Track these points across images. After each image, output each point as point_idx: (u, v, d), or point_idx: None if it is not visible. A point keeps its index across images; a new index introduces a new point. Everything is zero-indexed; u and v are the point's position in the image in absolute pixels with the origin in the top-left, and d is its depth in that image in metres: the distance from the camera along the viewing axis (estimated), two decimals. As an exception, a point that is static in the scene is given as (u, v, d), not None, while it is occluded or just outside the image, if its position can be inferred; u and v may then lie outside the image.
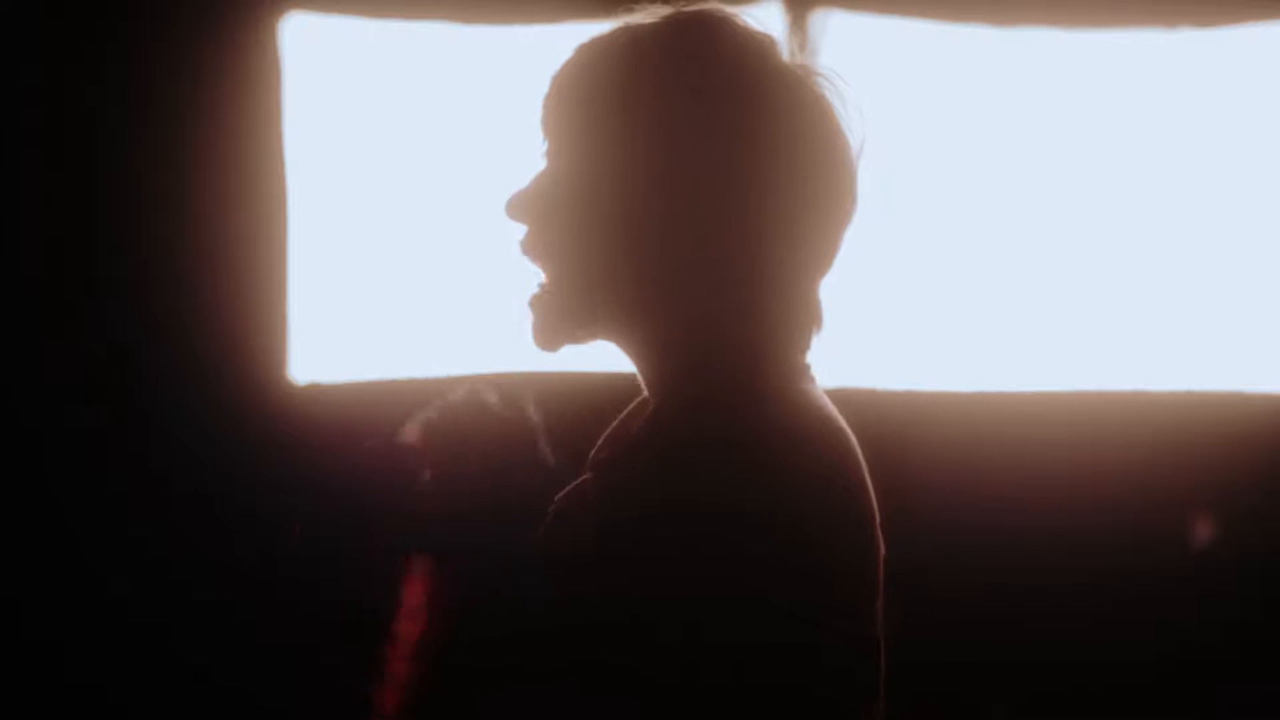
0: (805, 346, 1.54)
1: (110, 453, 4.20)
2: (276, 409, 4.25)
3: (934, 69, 4.34)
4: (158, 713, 4.18)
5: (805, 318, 1.53)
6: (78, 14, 4.16)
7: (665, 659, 1.35)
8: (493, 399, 1.58)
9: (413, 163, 4.28)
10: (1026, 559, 4.30)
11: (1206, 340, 4.39)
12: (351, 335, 4.32)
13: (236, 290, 4.22)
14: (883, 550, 1.48)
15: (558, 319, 1.52)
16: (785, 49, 1.52)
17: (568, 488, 1.53)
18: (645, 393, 1.54)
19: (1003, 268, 4.37)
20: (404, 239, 4.29)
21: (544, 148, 1.52)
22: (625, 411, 1.58)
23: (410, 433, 1.56)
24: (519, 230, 1.52)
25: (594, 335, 1.53)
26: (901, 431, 4.24)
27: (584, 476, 1.53)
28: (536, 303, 1.53)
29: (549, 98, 1.52)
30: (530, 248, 1.52)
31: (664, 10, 1.52)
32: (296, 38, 4.26)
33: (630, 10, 1.52)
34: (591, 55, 1.51)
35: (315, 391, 4.30)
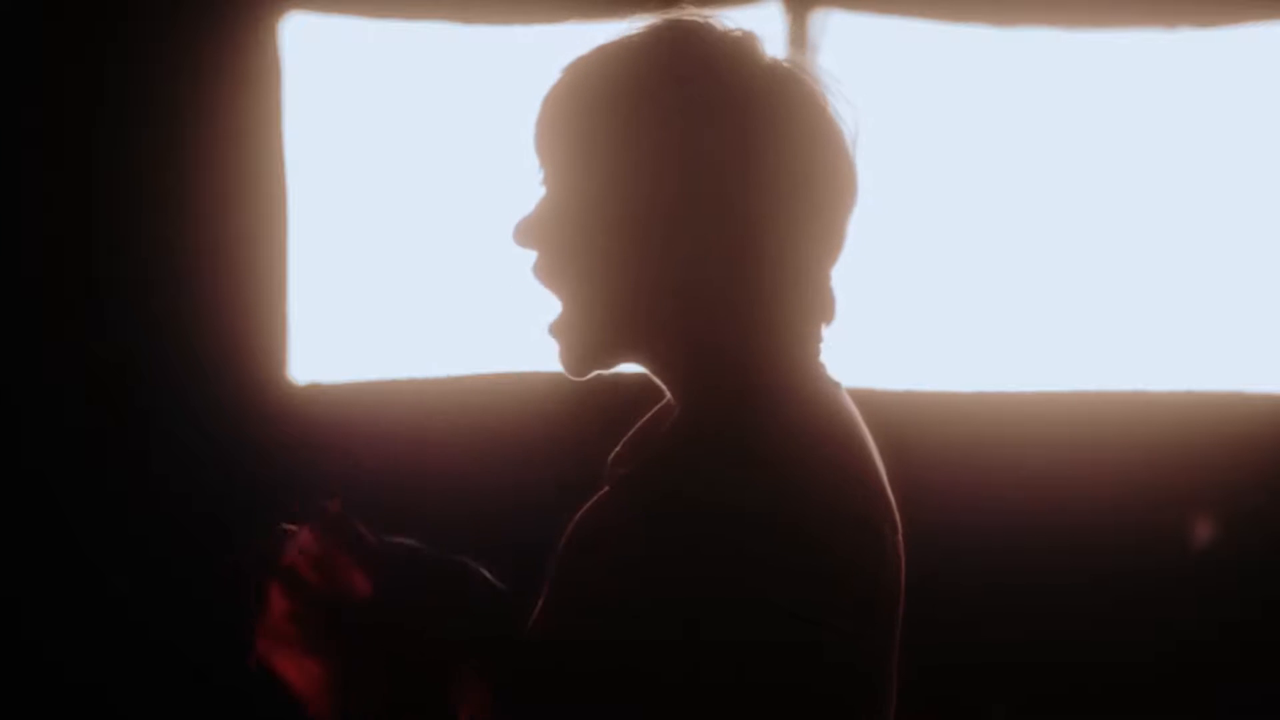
0: (819, 340, 1.54)
1: (110, 453, 4.20)
2: (276, 409, 4.25)
3: (934, 69, 4.34)
4: (157, 712, 4.19)
5: (819, 309, 1.53)
6: (78, 14, 4.16)
7: (667, 659, 1.35)
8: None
9: (412, 163, 4.28)
10: (1026, 559, 4.30)
11: (1206, 340, 4.39)
12: (351, 335, 4.33)
13: (236, 290, 4.22)
14: (902, 554, 1.47)
15: (584, 347, 1.51)
16: (765, 46, 1.52)
17: (588, 503, 1.53)
18: (669, 397, 1.54)
19: (1003, 268, 4.38)
20: (404, 239, 4.29)
21: (542, 171, 1.53)
22: (643, 419, 1.58)
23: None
24: (530, 256, 1.52)
25: (620, 359, 1.52)
26: (901, 431, 4.24)
27: (603, 490, 1.52)
28: (559, 331, 1.52)
29: (542, 121, 1.52)
30: (543, 273, 1.51)
31: (643, 21, 1.52)
32: (296, 38, 4.26)
33: (620, 17, 1.52)
34: (579, 75, 1.51)
35: (315, 391, 4.31)
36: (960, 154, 4.35)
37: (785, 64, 1.52)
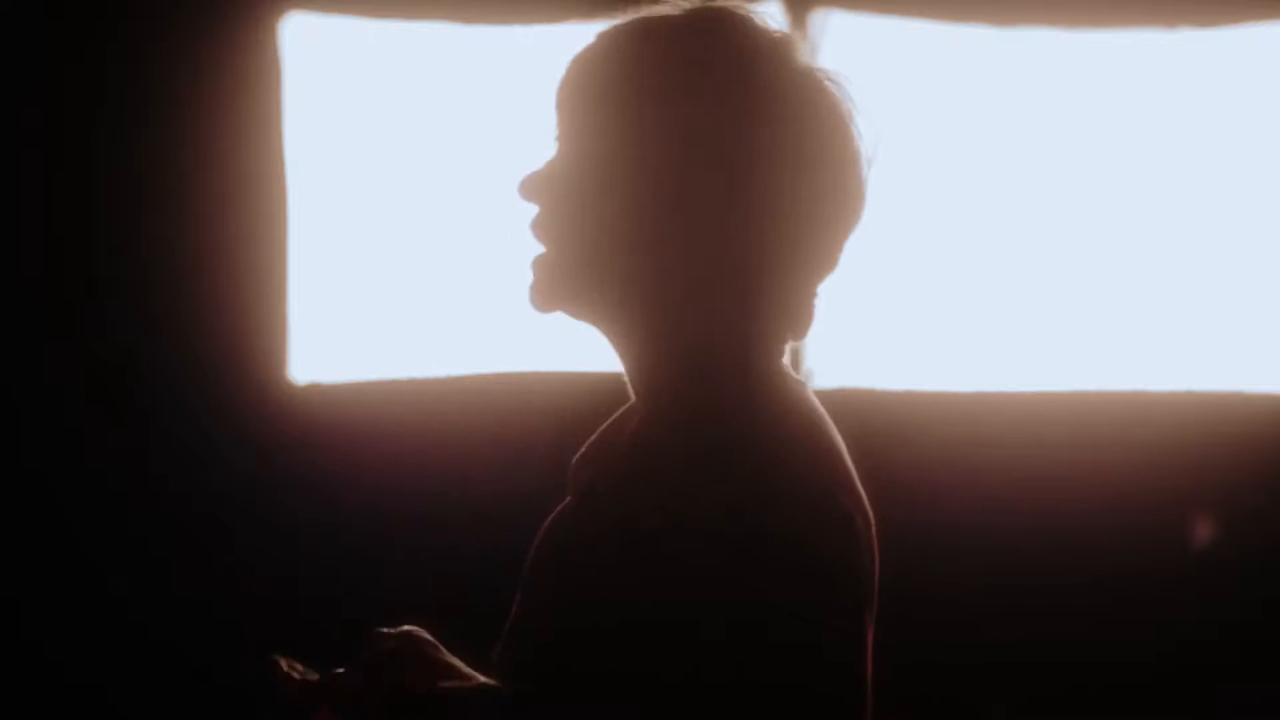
0: (784, 345, 1.54)
1: (110, 453, 4.20)
2: (276, 409, 4.25)
3: (934, 69, 4.34)
4: (157, 713, 4.19)
5: (796, 324, 1.53)
6: (78, 14, 4.16)
7: (667, 663, 1.35)
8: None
9: (412, 163, 4.28)
10: (1026, 559, 4.30)
11: (1206, 340, 4.39)
12: (351, 335, 4.32)
13: (236, 290, 4.22)
14: (876, 549, 1.48)
15: (557, 281, 1.51)
16: (802, 50, 1.52)
17: (555, 512, 1.53)
18: (631, 394, 1.54)
19: (1003, 268, 4.37)
20: (404, 239, 4.29)
21: (557, 130, 1.53)
22: (606, 424, 1.58)
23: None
24: (529, 210, 1.53)
25: (588, 310, 1.52)
26: (901, 431, 4.24)
27: (568, 499, 1.52)
28: (537, 262, 1.52)
29: (565, 82, 1.53)
30: (539, 228, 1.52)
31: (686, 3, 1.52)
32: (296, 38, 4.26)
33: (635, 7, 1.52)
34: (610, 44, 1.51)
35: (315, 391, 4.30)
36: (960, 154, 4.35)
37: (818, 73, 1.51)
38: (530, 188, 1.53)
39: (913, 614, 4.13)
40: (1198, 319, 4.38)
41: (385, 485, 4.19)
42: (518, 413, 4.15)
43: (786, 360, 1.55)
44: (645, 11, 1.53)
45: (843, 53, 4.31)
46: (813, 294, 1.53)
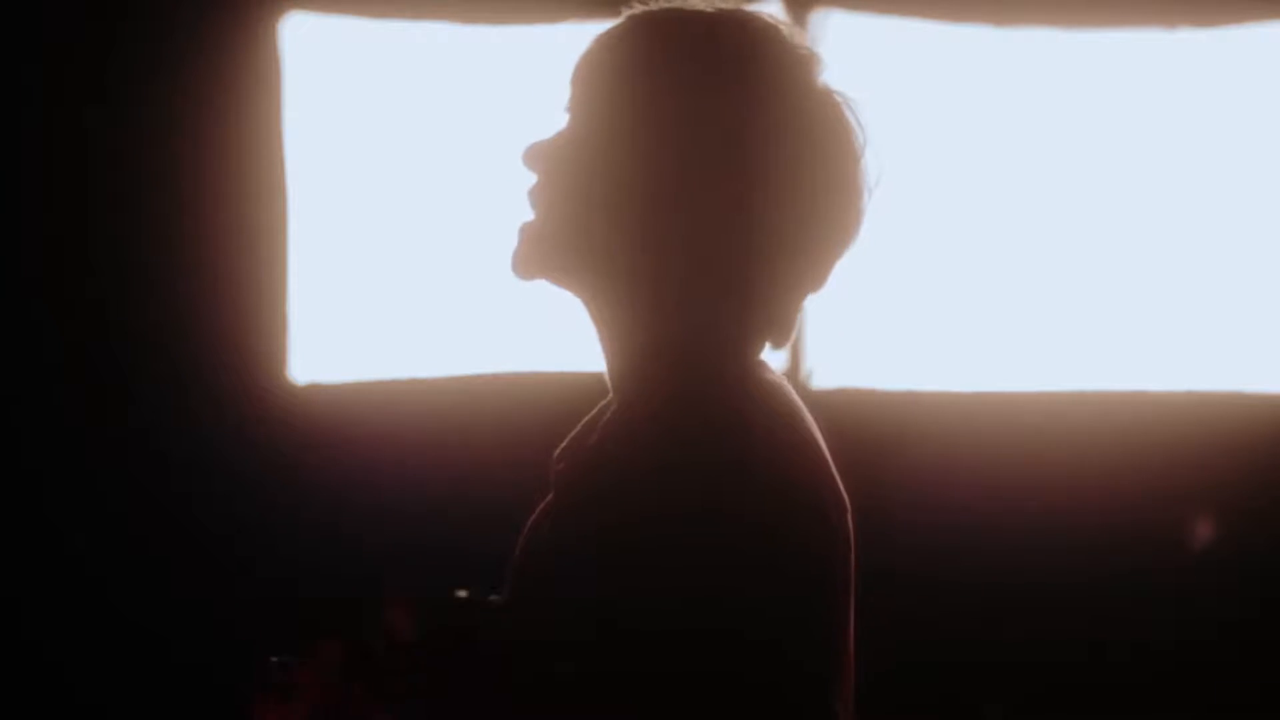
0: (762, 347, 1.55)
1: (110, 453, 4.20)
2: (276, 409, 4.25)
3: (934, 69, 4.34)
4: (158, 713, 4.19)
5: (779, 330, 1.53)
6: (77, 14, 4.16)
7: (640, 659, 1.35)
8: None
9: (412, 163, 4.28)
10: (1026, 559, 4.30)
11: (1206, 340, 4.39)
12: (351, 335, 4.32)
13: (236, 290, 4.22)
14: (852, 538, 1.48)
15: (543, 247, 1.52)
16: (824, 69, 1.52)
17: (536, 511, 1.53)
18: (609, 387, 1.55)
19: (1003, 268, 4.37)
20: (404, 239, 4.29)
21: (569, 104, 1.54)
22: (583, 421, 1.58)
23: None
24: (529, 178, 1.53)
25: (570, 281, 1.53)
26: (901, 431, 4.24)
27: (549, 498, 1.53)
28: (524, 229, 1.53)
29: (585, 58, 1.53)
30: (536, 197, 1.53)
31: (711, 2, 1.53)
32: (296, 38, 4.26)
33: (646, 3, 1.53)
34: (637, 28, 1.52)
35: (315, 391, 4.30)
36: (960, 154, 4.35)
37: (837, 96, 1.52)
38: (533, 155, 1.54)
39: (911, 613, 4.13)
40: (1198, 319, 4.39)
41: (385, 485, 4.19)
42: (518, 413, 4.15)
43: (765, 357, 1.56)
44: (678, 2, 1.53)
45: (843, 53, 4.31)
46: (797, 307, 1.53)
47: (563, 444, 1.57)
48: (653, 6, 1.54)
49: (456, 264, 4.23)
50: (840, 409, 4.29)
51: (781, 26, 1.53)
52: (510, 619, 1.48)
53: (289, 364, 4.29)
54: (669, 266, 1.49)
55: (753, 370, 1.52)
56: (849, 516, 1.49)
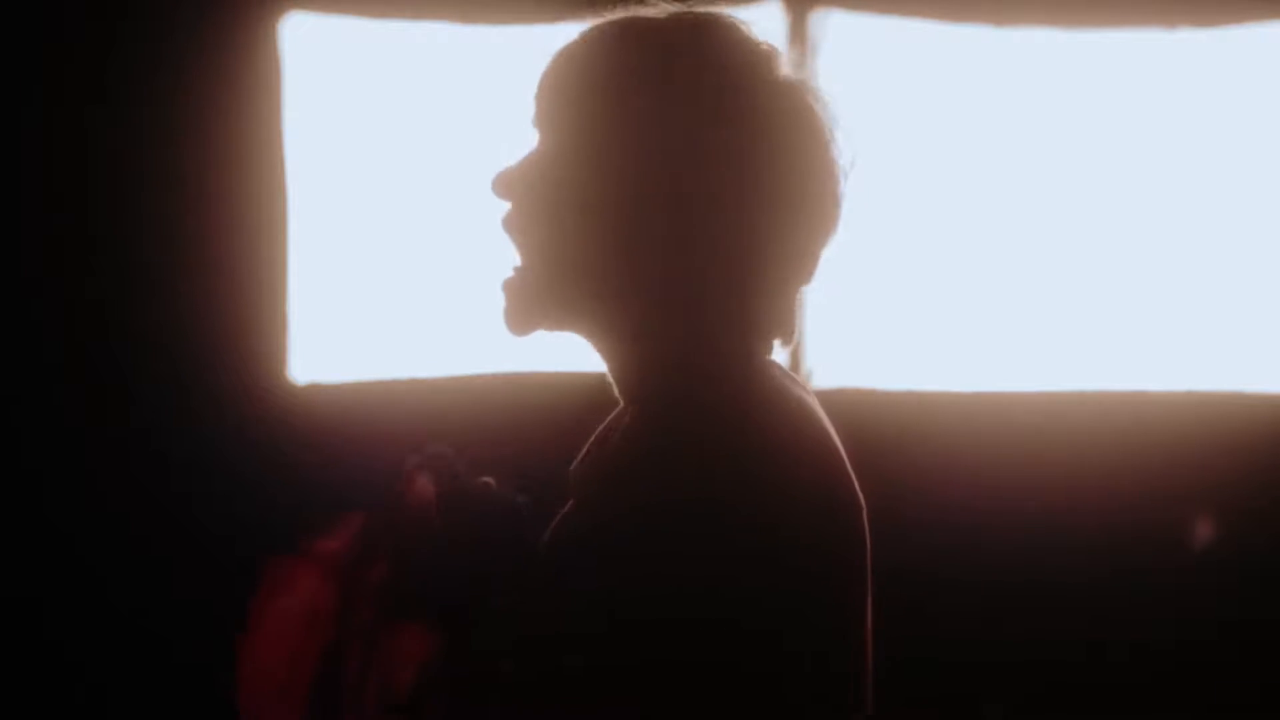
0: (771, 346, 1.55)
1: (110, 453, 4.20)
2: (276, 409, 4.25)
3: (934, 69, 4.34)
4: (159, 713, 4.19)
5: (778, 327, 1.53)
6: (77, 15, 4.16)
7: (639, 652, 1.35)
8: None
9: (412, 163, 4.28)
10: (1026, 558, 4.30)
11: (1206, 340, 4.39)
12: (351, 335, 4.33)
13: (236, 290, 4.22)
14: (867, 535, 1.48)
15: (530, 302, 1.51)
16: (786, 62, 1.52)
17: (557, 518, 1.53)
18: (618, 397, 1.54)
19: (1003, 268, 4.38)
20: (403, 239, 4.29)
21: (536, 123, 1.53)
22: (603, 424, 1.58)
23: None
24: (502, 206, 1.53)
25: (565, 323, 1.52)
26: (901, 431, 4.25)
27: (569, 503, 1.53)
28: (509, 286, 1.52)
29: (547, 75, 1.53)
30: (511, 225, 1.52)
31: (673, 7, 1.52)
32: (296, 38, 4.26)
33: (624, 6, 1.52)
34: (593, 41, 1.51)
35: (315, 391, 4.31)
36: (960, 154, 4.35)
37: (797, 84, 1.51)
38: (505, 184, 1.53)
39: (910, 612, 4.13)
40: (1198, 319, 4.39)
41: (385, 485, 4.18)
42: (518, 413, 4.15)
43: (778, 357, 1.56)
44: (634, 10, 1.53)
45: (843, 53, 4.31)
46: (793, 301, 1.53)
47: (581, 453, 1.57)
48: (612, 16, 1.53)
49: (456, 264, 4.23)
50: (840, 409, 4.28)
51: (739, 24, 1.53)
52: (521, 617, 1.48)
53: (289, 364, 4.29)
54: (662, 280, 1.49)
55: (760, 371, 1.52)
56: (864, 515, 1.49)
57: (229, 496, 4.18)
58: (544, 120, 1.52)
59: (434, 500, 1.52)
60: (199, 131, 4.18)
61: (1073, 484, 4.30)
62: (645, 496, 1.38)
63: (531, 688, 1.41)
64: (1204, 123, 4.35)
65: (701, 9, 1.53)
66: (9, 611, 4.19)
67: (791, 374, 1.55)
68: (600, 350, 1.54)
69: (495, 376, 4.30)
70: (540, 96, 1.53)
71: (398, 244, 4.29)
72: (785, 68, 1.52)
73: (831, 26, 4.30)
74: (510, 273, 1.53)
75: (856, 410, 4.33)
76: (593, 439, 1.58)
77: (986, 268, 4.37)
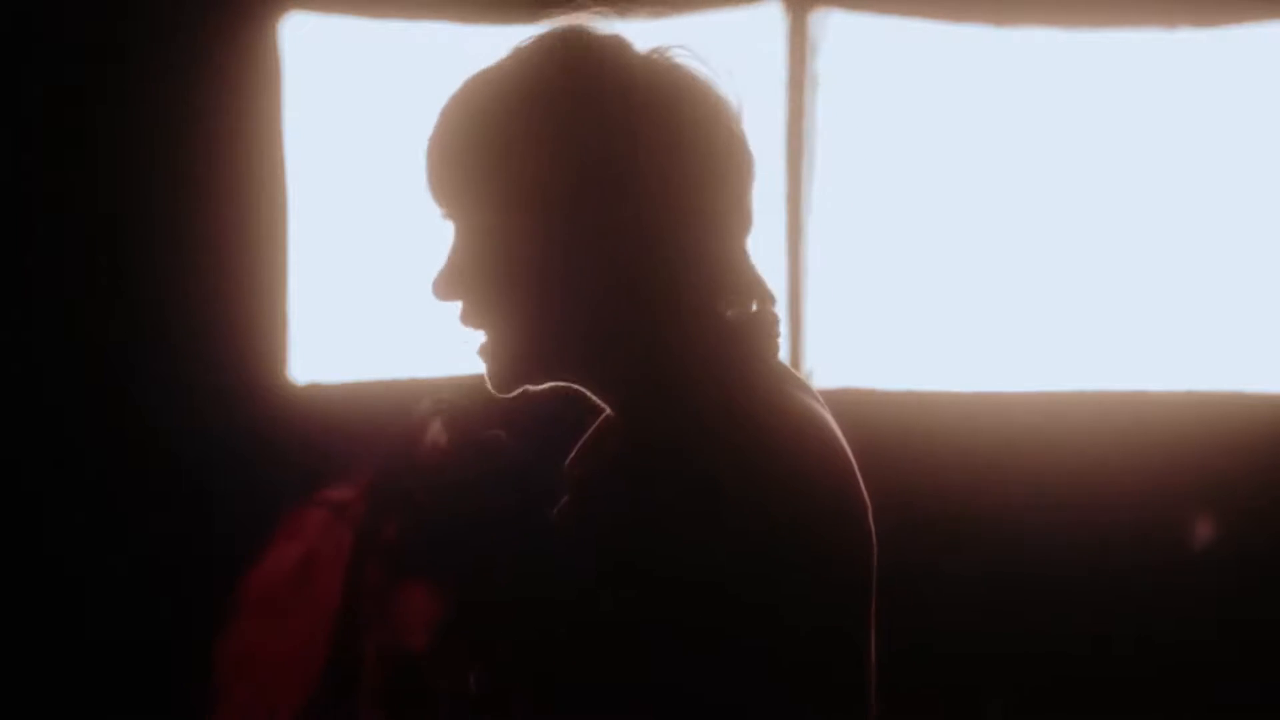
0: (773, 335, 1.54)
1: (110, 453, 4.20)
2: (276, 409, 4.25)
3: (934, 69, 4.34)
4: (158, 713, 4.19)
5: (743, 288, 1.52)
6: (77, 15, 4.16)
7: (652, 657, 1.35)
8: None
9: (412, 163, 4.27)
10: (1026, 558, 4.30)
11: (1206, 340, 4.39)
12: (351, 335, 4.33)
13: (236, 290, 4.22)
14: (873, 534, 1.48)
15: (513, 363, 1.53)
16: (635, 42, 1.52)
17: (554, 514, 1.53)
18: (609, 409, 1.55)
19: (1003, 268, 4.38)
20: (403, 239, 4.29)
21: (446, 215, 1.54)
22: (596, 423, 1.58)
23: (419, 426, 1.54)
24: (454, 308, 1.55)
25: (555, 375, 1.54)
26: (901, 431, 4.25)
27: (565, 499, 1.53)
28: (486, 354, 1.54)
29: (435, 165, 1.54)
30: (471, 319, 1.54)
31: (514, 42, 1.54)
32: (296, 38, 4.26)
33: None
34: (463, 111, 1.52)
35: (315, 391, 4.31)
36: (960, 154, 4.35)
37: (658, 56, 1.51)
38: (445, 288, 1.54)
39: (911, 611, 4.13)
40: (1198, 319, 4.39)
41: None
42: (517, 412, 4.15)
43: (780, 355, 1.56)
44: (474, 72, 1.52)
45: (843, 53, 4.31)
46: (747, 252, 1.52)
47: (575, 449, 1.57)
48: (455, 92, 1.52)
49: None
50: (840, 409, 4.29)
51: (582, 30, 1.52)
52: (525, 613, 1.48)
53: (289, 364, 4.29)
54: (628, 301, 1.49)
55: (763, 369, 1.52)
56: (870, 516, 1.49)
57: (229, 496, 4.18)
58: (453, 206, 1.52)
59: (445, 450, 1.53)
60: (199, 131, 4.18)
61: (1073, 484, 4.30)
62: (651, 494, 1.39)
63: (528, 676, 1.41)
64: (1204, 123, 4.35)
65: (538, 35, 1.54)
66: (8, 612, 4.19)
67: (800, 380, 1.55)
68: (590, 389, 1.54)
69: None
70: (436, 185, 1.53)
71: (397, 244, 4.29)
72: (638, 46, 1.52)
73: (831, 26, 4.30)
74: (483, 342, 1.54)
75: (856, 410, 4.32)
76: (589, 433, 1.58)
77: (986, 268, 4.37)
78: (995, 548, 4.30)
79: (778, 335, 1.56)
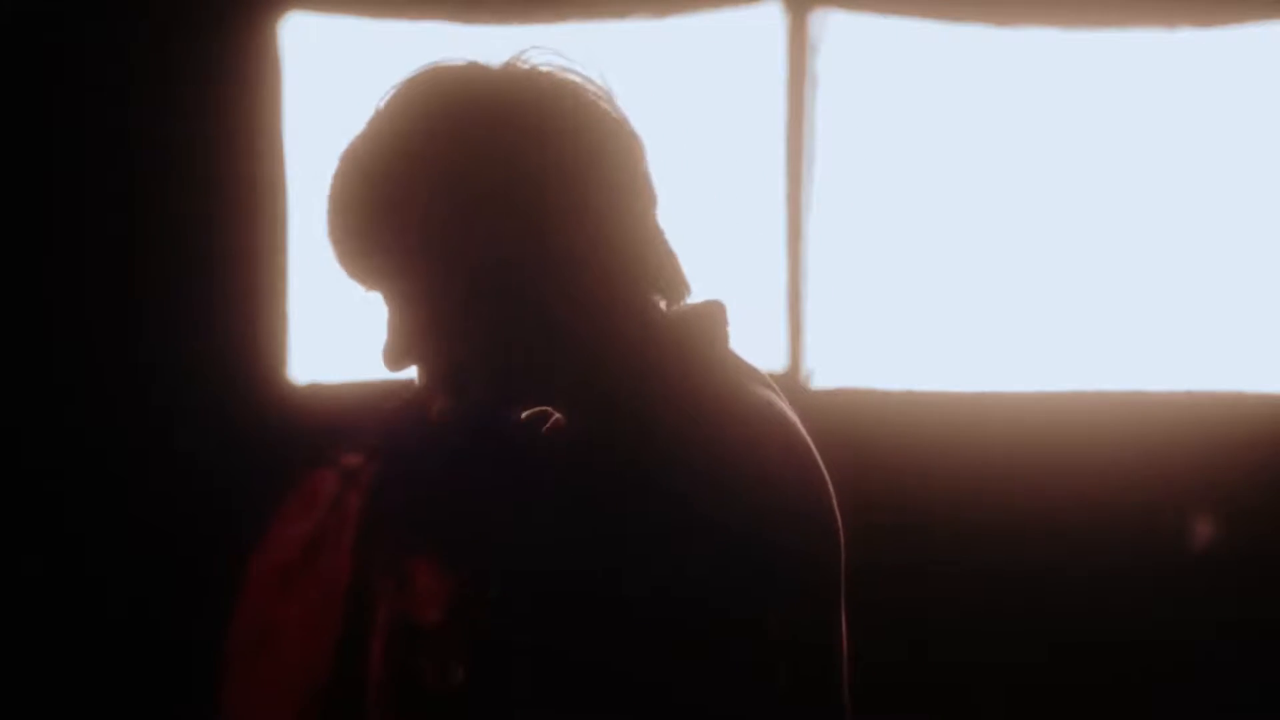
0: (722, 325, 1.54)
1: (110, 453, 4.20)
2: (276, 409, 4.25)
3: (934, 69, 4.34)
4: (159, 712, 4.19)
5: (662, 272, 1.52)
6: (76, 15, 4.17)
7: (623, 648, 1.36)
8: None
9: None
10: (1026, 559, 4.30)
11: (1206, 340, 4.39)
12: (351, 335, 4.32)
13: (236, 290, 4.22)
14: (840, 539, 1.47)
15: (480, 405, 1.55)
16: (489, 61, 1.52)
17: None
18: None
19: (1003, 268, 4.38)
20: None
21: (371, 288, 1.56)
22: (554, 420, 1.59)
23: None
24: (412, 373, 1.56)
25: (524, 406, 1.55)
26: (902, 431, 4.25)
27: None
28: (450, 391, 1.56)
29: (341, 246, 1.57)
30: (432, 379, 1.56)
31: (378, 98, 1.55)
32: (296, 38, 4.26)
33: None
34: (348, 200, 1.55)
35: (315, 391, 4.31)
36: (960, 154, 4.35)
37: (516, 65, 1.51)
38: (393, 360, 1.56)
39: (909, 612, 4.13)
40: (1198, 319, 4.39)
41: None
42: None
43: (733, 346, 1.55)
44: (345, 145, 1.55)
45: (843, 53, 4.31)
46: (660, 232, 1.52)
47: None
48: (337, 166, 1.56)
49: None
50: (840, 409, 4.29)
51: (441, 66, 1.51)
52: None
53: (289, 364, 4.29)
54: (561, 318, 1.49)
55: (716, 363, 1.51)
56: (836, 515, 1.49)
57: (228, 496, 4.18)
58: (374, 279, 1.55)
59: (440, 419, 1.54)
60: (199, 131, 4.18)
61: (1073, 484, 4.30)
62: (612, 513, 1.39)
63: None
64: (1204, 123, 4.35)
65: (402, 81, 1.52)
66: (8, 612, 4.19)
67: (757, 372, 1.55)
68: (554, 405, 1.55)
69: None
70: (352, 266, 1.56)
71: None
72: (492, 64, 1.51)
73: (831, 26, 4.31)
74: (444, 381, 1.55)
75: (856, 410, 4.33)
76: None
77: (986, 268, 4.37)
78: (994, 547, 4.30)
79: (726, 324, 1.55)
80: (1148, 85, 4.36)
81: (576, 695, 1.38)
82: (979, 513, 4.29)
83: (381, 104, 1.54)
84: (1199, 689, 4.35)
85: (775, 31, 4.23)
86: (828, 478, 1.49)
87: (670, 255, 1.53)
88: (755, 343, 4.24)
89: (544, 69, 1.50)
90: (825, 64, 4.31)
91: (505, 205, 1.47)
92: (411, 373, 1.56)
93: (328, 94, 4.28)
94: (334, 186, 1.56)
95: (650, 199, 1.52)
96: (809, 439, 1.50)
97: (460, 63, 1.52)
